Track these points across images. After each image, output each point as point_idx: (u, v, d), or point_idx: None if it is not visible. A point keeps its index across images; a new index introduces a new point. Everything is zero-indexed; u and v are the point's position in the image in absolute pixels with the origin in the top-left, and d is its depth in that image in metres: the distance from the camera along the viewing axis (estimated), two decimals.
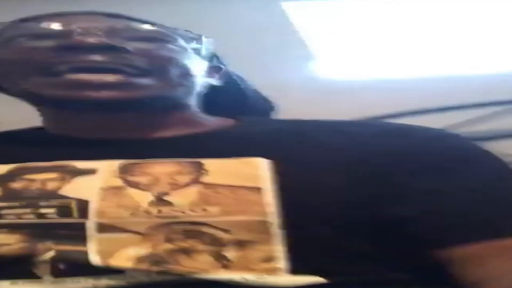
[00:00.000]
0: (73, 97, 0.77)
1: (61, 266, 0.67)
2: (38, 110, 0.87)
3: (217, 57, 0.94)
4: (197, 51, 0.86)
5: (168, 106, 0.84)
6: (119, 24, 0.81)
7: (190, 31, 0.86)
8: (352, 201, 0.71)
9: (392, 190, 0.73)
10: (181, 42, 0.84)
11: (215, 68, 0.92)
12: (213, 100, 0.91)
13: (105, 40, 0.77)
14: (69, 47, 0.77)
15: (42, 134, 0.86)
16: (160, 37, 0.82)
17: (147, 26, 0.83)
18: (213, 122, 0.88)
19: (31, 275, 0.67)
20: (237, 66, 0.99)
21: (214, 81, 0.91)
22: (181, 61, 0.82)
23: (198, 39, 0.87)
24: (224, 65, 0.94)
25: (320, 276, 0.67)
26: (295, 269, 0.66)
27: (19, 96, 0.84)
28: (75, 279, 0.66)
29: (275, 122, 0.96)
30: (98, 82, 0.76)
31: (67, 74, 0.76)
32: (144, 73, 0.78)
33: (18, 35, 0.80)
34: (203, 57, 0.87)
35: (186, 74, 0.83)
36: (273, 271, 0.66)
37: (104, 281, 0.66)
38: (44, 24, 0.80)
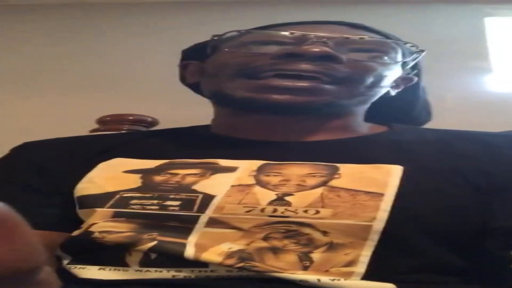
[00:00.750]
0: (258, 99, 0.82)
1: (152, 256, 0.68)
2: (215, 109, 0.93)
3: (418, 68, 0.95)
4: (405, 64, 0.89)
5: (335, 113, 0.86)
6: (354, 34, 0.85)
7: (415, 45, 0.89)
8: (466, 209, 0.71)
9: (508, 203, 0.73)
10: (397, 55, 0.87)
11: (407, 79, 0.93)
12: (379, 105, 0.92)
13: (328, 49, 0.81)
14: (291, 54, 0.81)
15: (204, 132, 0.92)
16: (380, 49, 0.85)
17: (376, 39, 0.86)
18: (366, 128, 0.90)
19: (121, 263, 0.69)
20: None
21: (394, 92, 0.92)
22: (380, 73, 0.85)
23: (417, 53, 0.89)
24: (418, 77, 0.95)
25: (394, 283, 0.66)
26: (372, 274, 0.65)
27: (212, 96, 0.90)
28: (158, 269, 0.68)
29: (422, 131, 0.95)
30: (287, 87, 0.80)
31: (267, 79, 0.81)
32: (338, 80, 0.82)
33: (250, 42, 0.86)
34: (405, 69, 0.91)
35: (375, 85, 0.85)
36: (349, 275, 0.65)
37: (184, 273, 0.67)
38: (284, 32, 0.85)
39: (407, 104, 0.98)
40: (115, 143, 0.91)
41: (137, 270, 0.68)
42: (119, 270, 0.69)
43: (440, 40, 2.00)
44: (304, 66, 0.80)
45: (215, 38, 0.88)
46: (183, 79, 0.99)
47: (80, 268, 0.71)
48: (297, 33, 0.83)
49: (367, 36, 0.85)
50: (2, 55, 2.22)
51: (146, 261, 0.68)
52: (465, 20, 2.12)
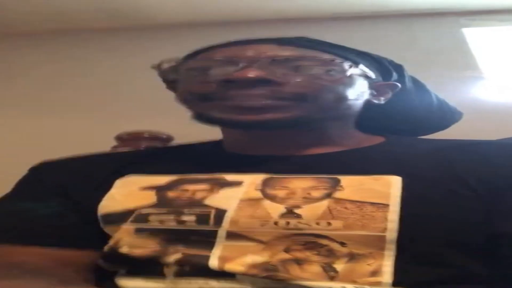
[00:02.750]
0: (234, 120, 0.82)
1: (186, 268, 0.73)
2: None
3: (399, 74, 0.94)
4: (364, 75, 0.87)
5: (318, 127, 0.86)
6: (295, 53, 0.83)
7: (367, 54, 0.89)
8: (473, 216, 0.74)
9: (506, 208, 0.75)
10: (347, 67, 0.84)
11: (389, 86, 0.92)
12: (375, 116, 0.93)
13: (264, 74, 0.80)
14: (231, 81, 0.81)
15: (211, 148, 0.93)
16: (327, 65, 0.83)
17: (322, 55, 0.84)
18: (361, 140, 0.90)
19: (161, 274, 0.74)
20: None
21: (381, 100, 0.91)
22: (338, 88, 0.83)
23: (371, 60, 0.89)
24: (402, 82, 0.94)
25: None
26: (398, 284, 0.68)
27: (195, 118, 0.89)
28: (188, 280, 0.72)
29: (417, 141, 0.95)
30: (258, 106, 0.80)
31: (231, 100, 0.81)
32: (296, 98, 0.82)
33: (192, 69, 0.86)
34: (371, 79, 0.89)
35: (340, 99, 0.84)
36: (376, 284, 0.68)
37: (213, 283, 0.71)
38: (214, 55, 0.85)
39: (392, 113, 0.96)
40: (129, 160, 0.93)
41: (171, 281, 0.74)
42: (158, 281, 0.74)
43: (422, 50, 2.10)
44: (253, 91, 0.80)
45: (153, 68, 0.89)
46: None
47: (129, 278, 0.77)
48: (224, 56, 0.83)
49: (310, 54, 0.84)
50: (24, 79, 2.34)
51: (180, 272, 0.73)
52: (444, 31, 2.23)
